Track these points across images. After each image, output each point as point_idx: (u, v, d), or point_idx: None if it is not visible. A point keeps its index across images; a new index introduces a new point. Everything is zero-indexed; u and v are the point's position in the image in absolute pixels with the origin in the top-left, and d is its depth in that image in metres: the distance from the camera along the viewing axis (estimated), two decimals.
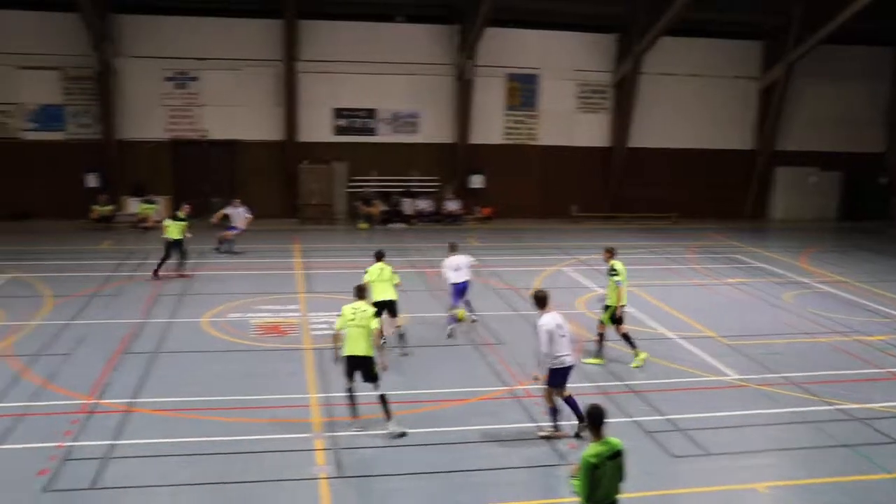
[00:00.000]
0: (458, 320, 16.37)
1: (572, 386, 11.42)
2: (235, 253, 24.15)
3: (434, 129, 32.09)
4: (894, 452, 11.22)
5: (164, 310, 17.90)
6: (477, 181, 32.19)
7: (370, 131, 31.79)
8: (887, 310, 19.23)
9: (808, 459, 11.01)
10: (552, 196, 32.85)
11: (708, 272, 23.13)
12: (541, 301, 11.28)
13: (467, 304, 16.73)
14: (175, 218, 21.15)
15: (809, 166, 34.56)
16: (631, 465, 7.81)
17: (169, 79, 30.33)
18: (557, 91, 32.68)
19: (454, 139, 32.10)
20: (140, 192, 29.56)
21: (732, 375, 14.20)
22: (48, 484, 9.82)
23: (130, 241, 26.55)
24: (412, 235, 28.17)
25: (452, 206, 31.69)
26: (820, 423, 12.12)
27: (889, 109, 35.22)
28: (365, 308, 11.48)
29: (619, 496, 7.56)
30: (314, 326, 16.85)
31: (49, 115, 29.85)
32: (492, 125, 32.44)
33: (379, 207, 30.89)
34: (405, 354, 14.77)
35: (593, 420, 7.54)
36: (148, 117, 30.29)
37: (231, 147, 31.01)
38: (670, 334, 16.72)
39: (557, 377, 11.08)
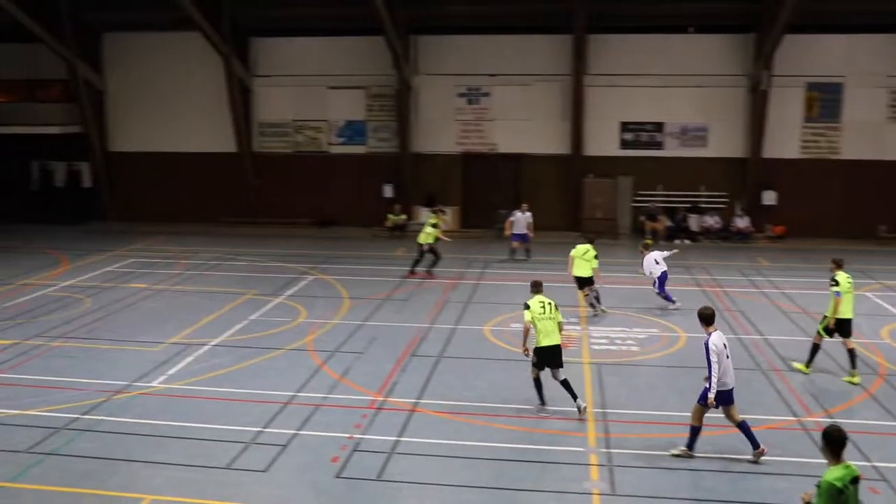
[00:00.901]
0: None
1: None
2: (520, 260, 24.96)
3: (723, 143, 30.85)
4: None
5: (450, 316, 18.71)
6: (769, 197, 30.47)
7: (657, 145, 31.24)
8: None
9: None
10: (855, 214, 30.24)
11: None
12: (708, 319, 10.95)
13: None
14: (432, 225, 22.94)
15: None
16: None
17: (461, 94, 31.82)
18: (865, 100, 30.06)
19: (745, 153, 30.62)
20: (431, 202, 31.16)
21: None
22: (339, 471, 10.65)
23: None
24: (697, 252, 27.15)
25: (742, 223, 30.21)
26: None
27: None
28: (550, 301, 12.60)
29: None
30: (594, 341, 16.80)
31: (353, 131, 32.59)
32: (787, 138, 30.53)
33: (664, 223, 30.20)
34: None
35: (833, 442, 6.98)
36: (441, 131, 31.97)
37: (518, 160, 31.80)
38: None
39: (719, 400, 10.72)
